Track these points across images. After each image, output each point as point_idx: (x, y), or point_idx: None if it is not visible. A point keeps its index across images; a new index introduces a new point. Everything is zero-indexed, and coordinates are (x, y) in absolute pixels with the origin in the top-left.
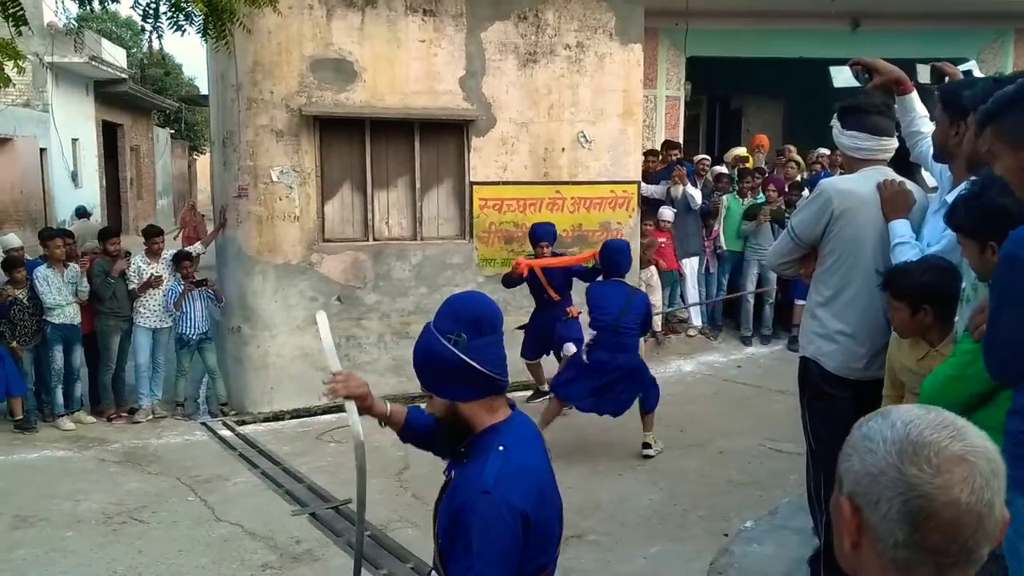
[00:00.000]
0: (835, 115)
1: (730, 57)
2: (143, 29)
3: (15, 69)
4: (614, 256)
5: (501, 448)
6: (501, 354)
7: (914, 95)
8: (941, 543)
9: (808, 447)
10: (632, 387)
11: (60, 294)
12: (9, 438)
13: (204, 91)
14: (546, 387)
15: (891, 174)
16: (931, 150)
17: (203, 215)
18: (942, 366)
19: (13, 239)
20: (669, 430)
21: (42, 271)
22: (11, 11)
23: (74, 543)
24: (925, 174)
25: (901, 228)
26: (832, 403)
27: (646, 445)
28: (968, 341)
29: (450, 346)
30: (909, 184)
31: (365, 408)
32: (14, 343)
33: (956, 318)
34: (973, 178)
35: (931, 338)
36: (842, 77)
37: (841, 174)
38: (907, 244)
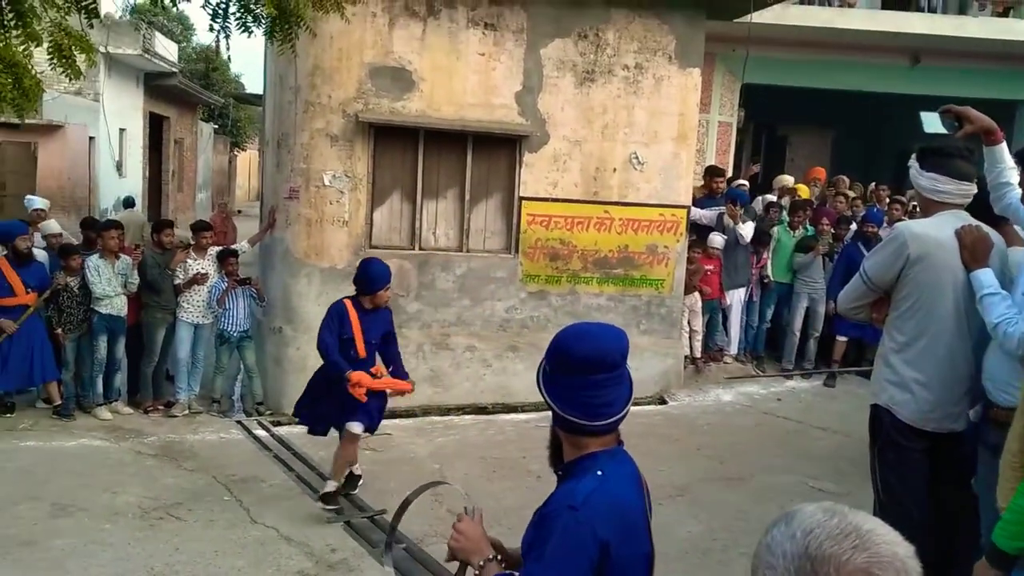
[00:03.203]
0: (914, 155)
1: (783, 86)
2: (211, 28)
3: (86, 62)
4: None
5: (600, 473)
6: (591, 400)
7: (1003, 145)
8: None
9: (876, 498)
10: None
11: (110, 285)
12: (47, 424)
13: (249, 88)
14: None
15: (969, 219)
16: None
17: (238, 211)
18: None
19: (53, 224)
20: (709, 461)
21: (94, 261)
22: (84, 3)
23: (112, 536)
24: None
25: (987, 278)
26: (904, 454)
27: None
28: None
29: (540, 372)
30: (986, 228)
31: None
32: (59, 330)
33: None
34: None
35: None
36: (932, 123)
37: (891, 211)
38: (997, 295)
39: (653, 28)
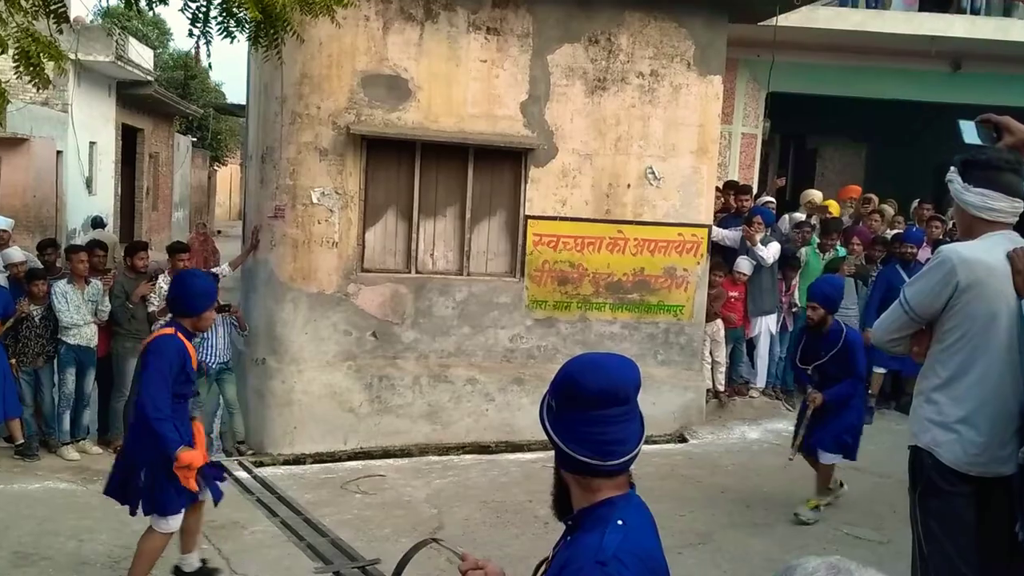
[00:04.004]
0: (955, 169)
1: (812, 94)
2: (191, 33)
3: (55, 69)
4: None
5: (620, 523)
6: (601, 437)
7: None
8: None
9: (918, 547)
10: None
11: (78, 313)
12: (9, 465)
13: (231, 98)
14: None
15: (1020, 240)
16: None
17: (218, 231)
18: None
19: (16, 252)
20: (734, 505)
21: (61, 286)
22: (53, 7)
23: None
24: None
25: None
26: (949, 501)
27: None
28: None
29: (543, 409)
30: None
31: None
32: (12, 360)
33: None
34: None
35: None
36: (971, 132)
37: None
38: None
39: (670, 32)
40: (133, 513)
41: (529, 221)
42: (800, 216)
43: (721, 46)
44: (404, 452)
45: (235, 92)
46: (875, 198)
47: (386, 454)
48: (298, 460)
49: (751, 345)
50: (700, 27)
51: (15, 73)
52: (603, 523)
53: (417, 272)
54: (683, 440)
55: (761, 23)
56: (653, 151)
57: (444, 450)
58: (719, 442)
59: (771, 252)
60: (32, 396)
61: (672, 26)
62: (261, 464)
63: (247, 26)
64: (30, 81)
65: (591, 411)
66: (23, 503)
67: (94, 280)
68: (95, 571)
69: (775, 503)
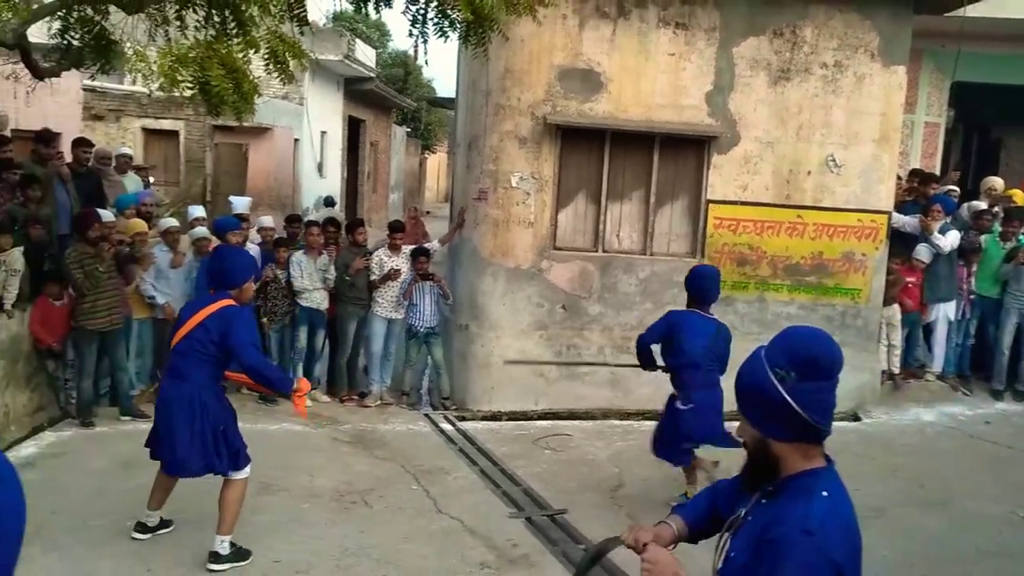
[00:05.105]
0: None
1: (998, 84)
2: (411, 34)
3: (298, 67)
4: (703, 283)
5: (825, 494)
6: (830, 403)
7: None
8: None
9: None
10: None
11: (309, 279)
12: (253, 408)
13: (440, 93)
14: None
15: None
16: None
17: (427, 212)
18: None
19: (267, 219)
20: (907, 484)
21: (297, 256)
22: (296, 12)
23: (310, 515)
24: None
25: None
26: None
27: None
28: None
29: (776, 381)
30: None
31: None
32: (264, 319)
33: None
34: None
35: None
36: None
37: None
38: None
39: (855, 24)
40: (225, 472)
41: (710, 205)
42: (981, 204)
43: (906, 37)
44: (588, 415)
45: (443, 86)
46: None
47: (572, 416)
48: (495, 417)
49: (928, 330)
50: (885, 19)
51: (264, 70)
52: (808, 493)
53: (604, 251)
54: (856, 419)
55: (948, 14)
56: (835, 139)
57: (625, 415)
58: (893, 423)
59: (949, 240)
60: (277, 352)
61: (857, 18)
62: (463, 419)
63: (459, 26)
64: (278, 77)
65: (827, 380)
66: (265, 441)
67: (324, 252)
68: (323, 503)
69: (949, 484)
